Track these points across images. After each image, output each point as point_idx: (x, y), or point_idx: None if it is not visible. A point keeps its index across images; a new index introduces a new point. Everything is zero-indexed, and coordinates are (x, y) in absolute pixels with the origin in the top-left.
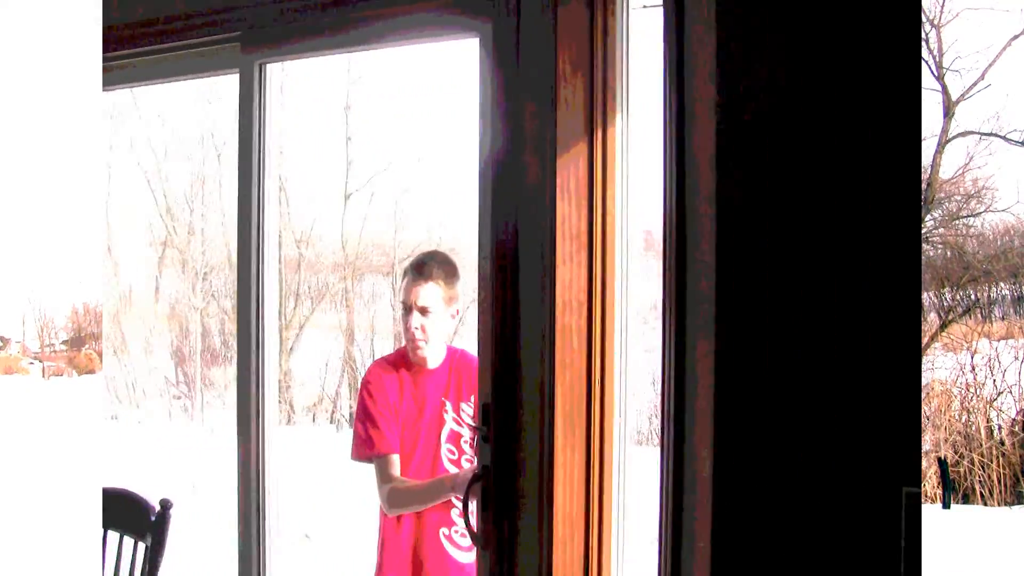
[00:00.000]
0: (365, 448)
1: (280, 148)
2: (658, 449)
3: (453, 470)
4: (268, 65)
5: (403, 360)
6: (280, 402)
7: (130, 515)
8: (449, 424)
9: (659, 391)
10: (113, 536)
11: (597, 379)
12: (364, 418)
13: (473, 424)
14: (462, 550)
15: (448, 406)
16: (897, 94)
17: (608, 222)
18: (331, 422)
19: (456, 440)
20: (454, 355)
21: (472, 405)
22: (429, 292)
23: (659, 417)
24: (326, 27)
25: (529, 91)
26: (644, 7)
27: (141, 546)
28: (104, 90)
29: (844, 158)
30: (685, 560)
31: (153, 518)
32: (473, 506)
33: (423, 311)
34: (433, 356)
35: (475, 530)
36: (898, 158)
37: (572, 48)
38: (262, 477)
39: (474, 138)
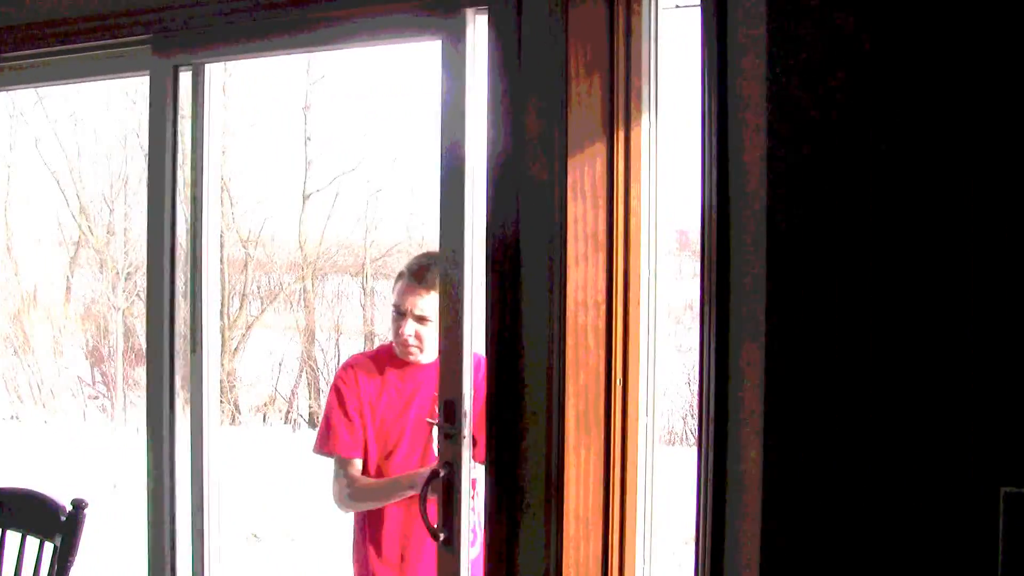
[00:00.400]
0: (326, 445)
1: (223, 148)
2: (694, 449)
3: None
4: (208, 66)
5: (387, 356)
6: (223, 402)
7: (36, 515)
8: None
9: (695, 390)
10: (14, 536)
11: (618, 379)
12: (328, 418)
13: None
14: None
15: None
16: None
17: (632, 222)
18: (286, 422)
19: None
20: None
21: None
22: (430, 302)
23: (695, 416)
24: (256, 31)
25: (533, 91)
26: (677, 7)
27: (48, 547)
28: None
29: (913, 146)
30: (728, 562)
31: (64, 518)
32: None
33: (421, 320)
34: (428, 357)
35: (434, 525)
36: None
37: (587, 47)
38: (173, 478)
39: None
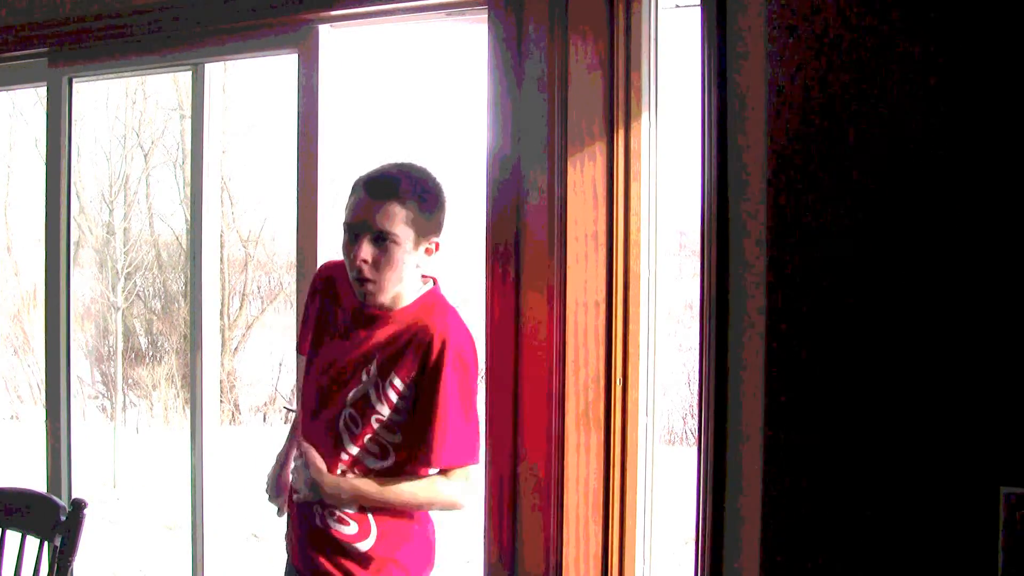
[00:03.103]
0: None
1: (223, 148)
2: (694, 449)
3: (350, 447)
4: (208, 65)
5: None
6: (223, 402)
7: (36, 515)
8: (365, 387)
9: (695, 390)
10: (14, 536)
11: (618, 379)
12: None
13: (395, 402)
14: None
15: (374, 366)
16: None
17: (632, 222)
18: (286, 422)
19: (366, 411)
20: (428, 311)
21: (409, 383)
22: (390, 214)
23: (695, 416)
24: (145, 46)
25: (532, 91)
26: (677, 7)
27: (48, 547)
28: None
29: (912, 147)
30: (728, 562)
31: (64, 518)
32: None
33: (379, 240)
34: (391, 299)
35: None
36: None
37: (587, 47)
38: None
39: (460, 136)
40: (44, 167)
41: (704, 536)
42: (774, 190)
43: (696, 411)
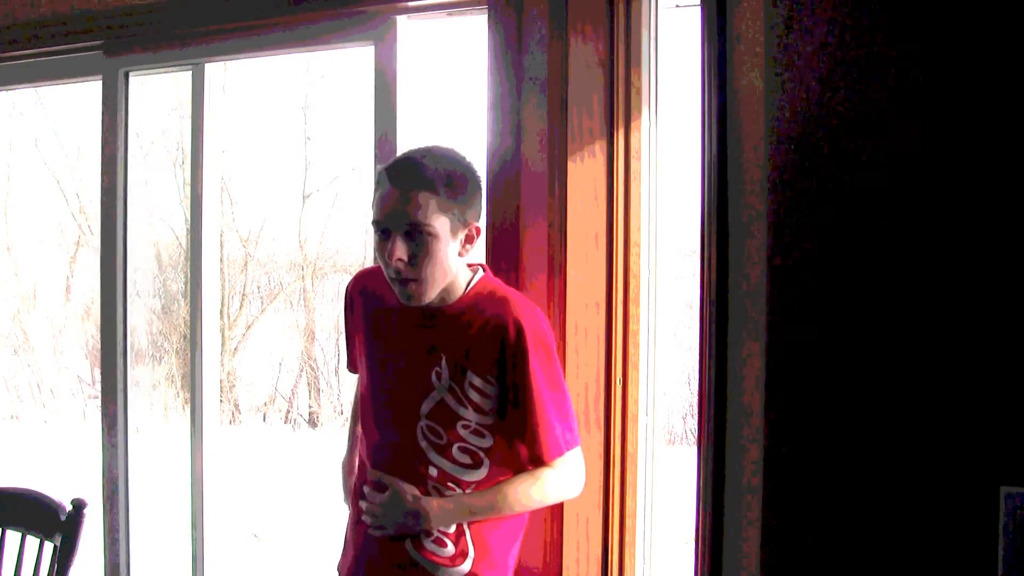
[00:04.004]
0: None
1: (223, 148)
2: (694, 449)
3: (437, 460)
4: (207, 65)
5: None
6: (223, 402)
7: (36, 515)
8: (440, 393)
9: (695, 390)
10: (14, 536)
11: (618, 379)
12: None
13: (479, 403)
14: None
15: (443, 365)
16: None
17: (632, 222)
18: (286, 422)
19: (448, 420)
20: (490, 298)
21: (490, 379)
22: (420, 204)
23: (695, 416)
24: (205, 35)
25: (533, 90)
26: (677, 7)
27: (48, 547)
28: None
29: (911, 146)
30: (727, 561)
31: (64, 518)
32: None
33: (413, 234)
34: (441, 295)
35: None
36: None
37: (587, 46)
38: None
39: (458, 134)
40: (100, 167)
41: (704, 536)
42: (774, 190)
43: (696, 412)
